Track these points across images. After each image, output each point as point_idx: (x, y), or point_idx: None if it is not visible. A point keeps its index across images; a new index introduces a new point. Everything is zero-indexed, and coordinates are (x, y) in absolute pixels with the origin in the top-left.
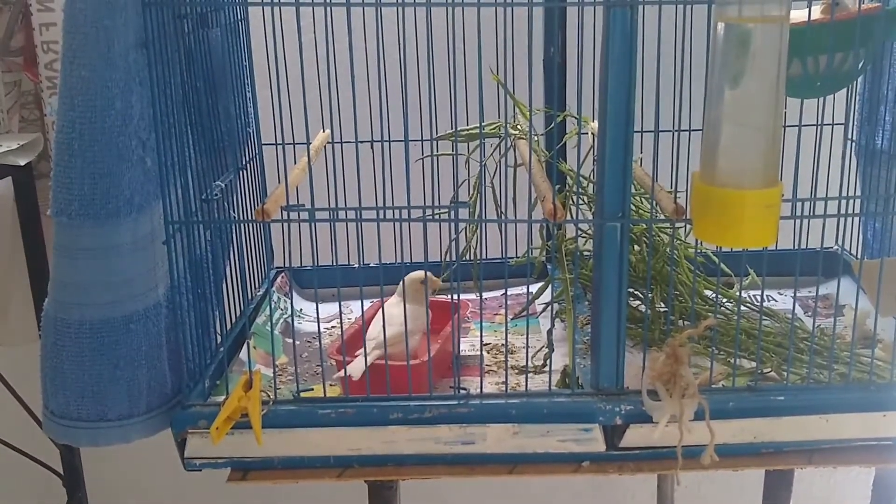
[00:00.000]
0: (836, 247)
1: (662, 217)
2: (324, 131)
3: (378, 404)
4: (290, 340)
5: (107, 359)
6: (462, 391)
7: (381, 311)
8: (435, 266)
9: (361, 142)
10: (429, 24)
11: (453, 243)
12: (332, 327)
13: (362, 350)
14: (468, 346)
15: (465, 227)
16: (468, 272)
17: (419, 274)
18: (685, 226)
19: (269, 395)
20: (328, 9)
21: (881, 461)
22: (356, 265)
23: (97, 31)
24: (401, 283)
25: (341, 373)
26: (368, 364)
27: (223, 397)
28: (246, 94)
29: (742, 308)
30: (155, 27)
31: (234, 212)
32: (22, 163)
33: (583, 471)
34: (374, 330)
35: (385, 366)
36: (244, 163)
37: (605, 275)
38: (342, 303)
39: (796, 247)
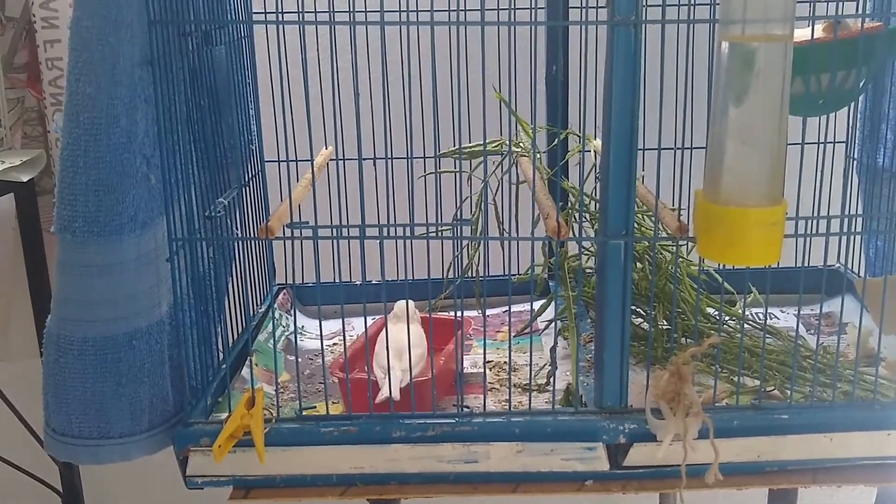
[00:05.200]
0: (839, 265)
1: (666, 235)
2: (327, 148)
3: (381, 422)
4: (293, 358)
5: (109, 376)
6: (465, 409)
7: (385, 331)
8: (437, 283)
9: (365, 159)
10: (432, 42)
11: (456, 260)
12: (335, 344)
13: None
14: (470, 363)
15: (468, 244)
16: (471, 289)
17: (402, 304)
18: (688, 244)
19: (271, 413)
20: (332, 27)
21: (885, 480)
22: (359, 282)
23: (102, 49)
24: (395, 308)
25: (381, 397)
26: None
27: (225, 415)
28: (249, 111)
29: (745, 326)
30: (160, 45)
31: (237, 229)
32: (24, 179)
33: (586, 489)
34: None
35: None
36: (247, 180)
37: (609, 292)
38: (345, 320)
39: (799, 265)
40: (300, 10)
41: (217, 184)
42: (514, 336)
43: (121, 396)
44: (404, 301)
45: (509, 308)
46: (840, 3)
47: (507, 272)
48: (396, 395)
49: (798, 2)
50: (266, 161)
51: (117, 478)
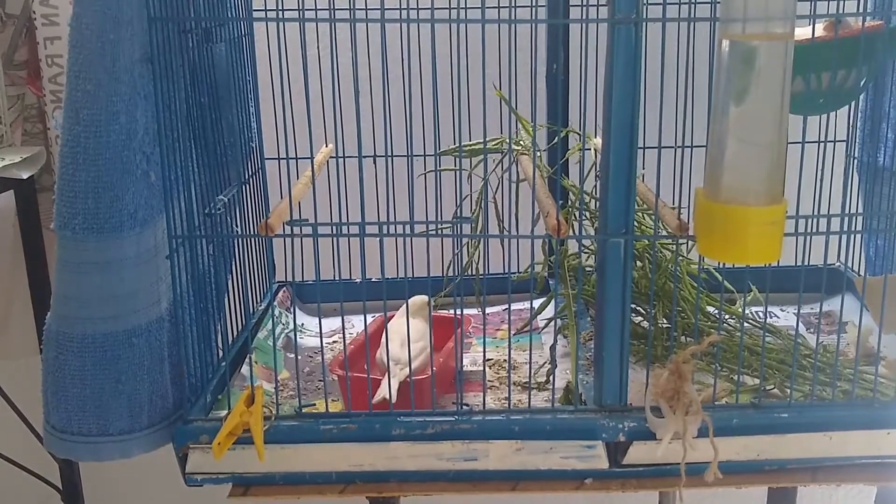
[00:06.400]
0: (839, 263)
1: (666, 233)
2: (327, 146)
3: (380, 420)
4: (292, 355)
5: (109, 373)
6: (464, 407)
7: (395, 326)
8: (437, 281)
9: (365, 156)
10: (433, 39)
11: (456, 258)
12: (334, 342)
13: (397, 367)
14: (470, 361)
15: (468, 242)
16: (471, 287)
17: (423, 298)
18: (688, 242)
19: (270, 411)
20: (332, 24)
21: (884, 479)
22: (358, 280)
23: (102, 46)
24: (404, 306)
25: (378, 397)
26: (398, 383)
27: (225, 412)
28: (249, 108)
29: (745, 325)
30: (160, 42)
31: (236, 226)
32: (24, 176)
33: (586, 488)
34: (396, 351)
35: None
36: (247, 177)
37: (609, 291)
38: (344, 317)
39: (799, 263)
40: (300, 7)
41: (217, 181)
42: (514, 334)
43: (120, 394)
44: (421, 298)
45: (509, 306)
46: (841, 2)
47: (506, 270)
48: (394, 395)
49: (799, 0)
50: (266, 158)
51: (117, 475)
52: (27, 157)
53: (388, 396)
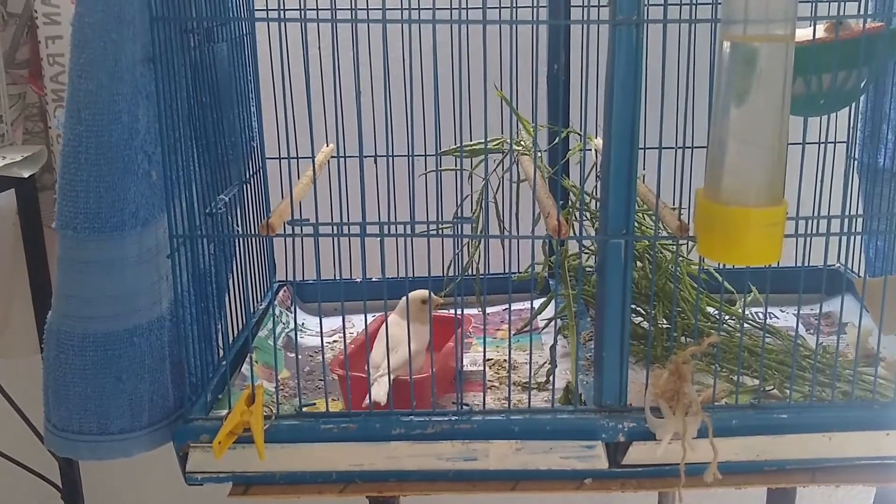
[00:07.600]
0: (839, 265)
1: (666, 234)
2: (328, 145)
3: (380, 420)
4: (293, 355)
5: (110, 372)
6: (464, 407)
7: (384, 330)
8: (438, 281)
9: (366, 156)
10: (434, 40)
11: (456, 258)
12: (335, 341)
13: (377, 373)
14: (470, 361)
15: (469, 242)
16: (471, 287)
17: (422, 293)
18: (688, 243)
19: (271, 410)
20: (334, 24)
21: (884, 480)
22: (359, 279)
23: (105, 46)
24: (402, 300)
25: (366, 401)
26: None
27: (225, 411)
28: (251, 108)
29: (745, 325)
30: (162, 42)
31: (237, 225)
32: (25, 175)
33: (585, 488)
34: (381, 355)
35: (400, 382)
36: (248, 176)
37: (609, 291)
38: (345, 317)
39: (799, 264)
40: (302, 7)
41: (218, 181)
42: (514, 334)
43: (121, 393)
44: (418, 293)
45: (509, 306)
46: (842, 4)
47: (507, 270)
48: (383, 399)
49: (800, 2)
50: (267, 158)
51: (117, 474)
52: (28, 155)
53: (377, 400)
